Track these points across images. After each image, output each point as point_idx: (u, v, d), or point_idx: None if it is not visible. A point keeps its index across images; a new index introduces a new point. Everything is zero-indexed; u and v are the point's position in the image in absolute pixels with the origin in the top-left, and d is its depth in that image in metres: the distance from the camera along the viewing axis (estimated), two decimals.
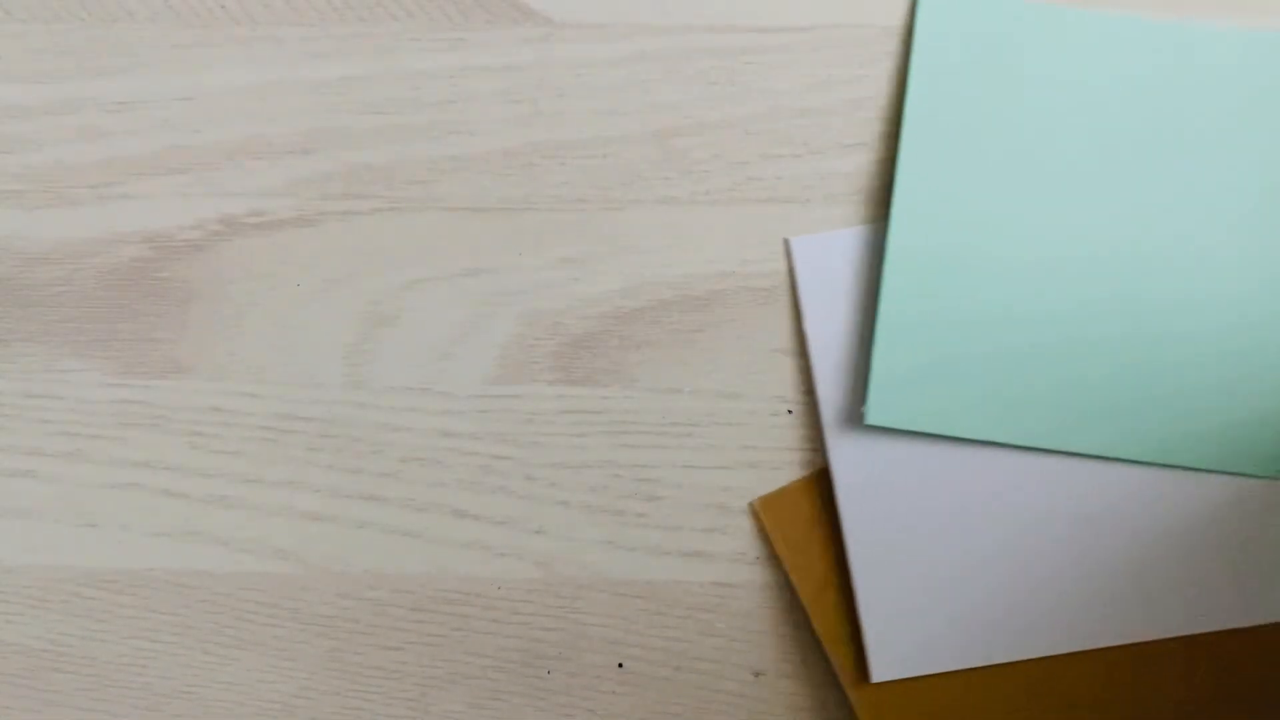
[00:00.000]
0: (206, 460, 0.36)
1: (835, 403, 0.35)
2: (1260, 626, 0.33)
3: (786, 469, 0.35)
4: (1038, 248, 0.35)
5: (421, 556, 0.35)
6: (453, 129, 0.36)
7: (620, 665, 0.35)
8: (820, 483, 0.35)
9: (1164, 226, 0.35)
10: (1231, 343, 0.34)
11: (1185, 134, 0.35)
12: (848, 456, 0.35)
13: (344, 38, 0.36)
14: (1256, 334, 0.34)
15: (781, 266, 0.36)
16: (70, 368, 0.36)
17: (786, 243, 0.35)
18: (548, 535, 0.35)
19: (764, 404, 0.35)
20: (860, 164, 0.36)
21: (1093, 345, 0.34)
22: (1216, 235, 0.35)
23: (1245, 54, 0.35)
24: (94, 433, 0.36)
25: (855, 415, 0.35)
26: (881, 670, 0.34)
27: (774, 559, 0.35)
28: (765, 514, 0.35)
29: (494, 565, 0.35)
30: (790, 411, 0.35)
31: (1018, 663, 0.34)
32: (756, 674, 0.35)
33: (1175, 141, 0.35)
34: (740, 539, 0.35)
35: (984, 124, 0.35)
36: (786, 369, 0.35)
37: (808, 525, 0.35)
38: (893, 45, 0.36)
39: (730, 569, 0.35)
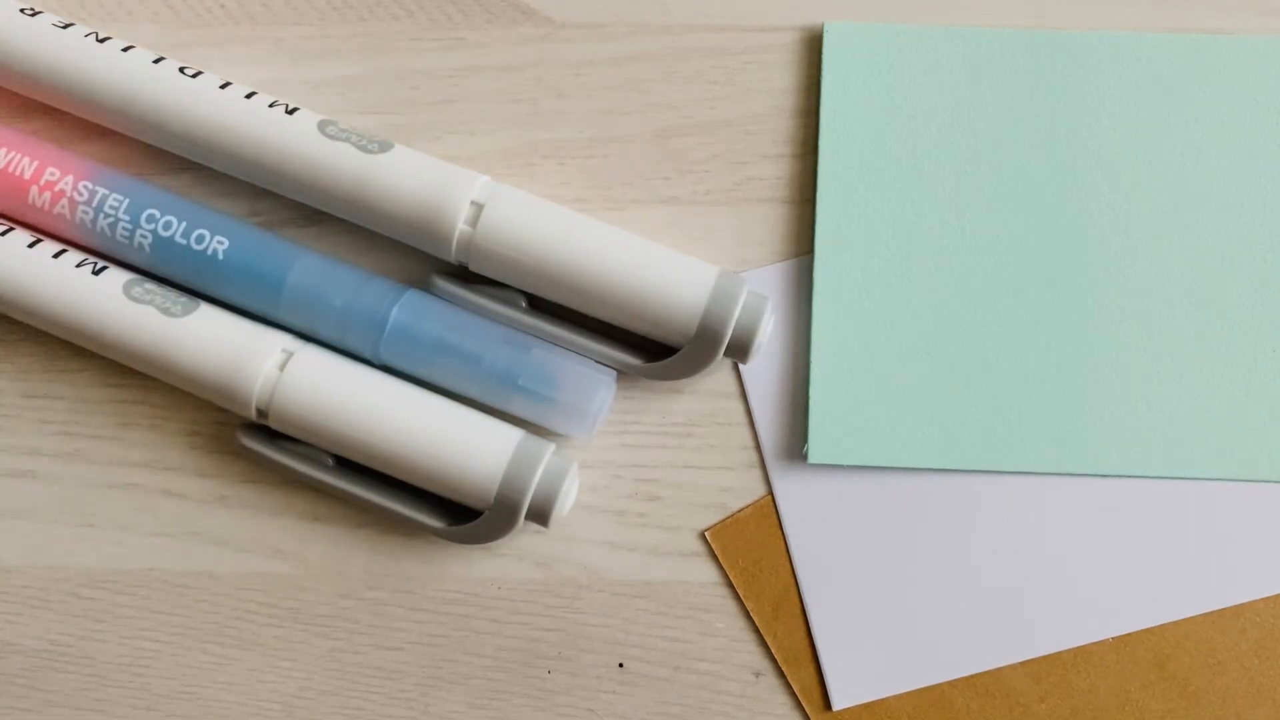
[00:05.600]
0: (207, 460, 0.36)
1: (776, 439, 0.35)
2: (1191, 619, 0.34)
3: None
4: (968, 272, 0.35)
5: (421, 556, 0.35)
6: (453, 129, 0.36)
7: (620, 665, 0.35)
8: (770, 509, 0.35)
9: (1096, 238, 0.35)
10: (1174, 353, 0.35)
11: (1107, 141, 0.35)
12: (793, 491, 0.35)
13: (344, 38, 0.36)
14: (1195, 342, 0.35)
15: (781, 267, 0.36)
16: (70, 368, 0.36)
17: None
18: (547, 535, 0.35)
19: None
20: None
21: (1032, 365, 0.35)
22: (1153, 243, 0.35)
23: (1158, 58, 0.35)
24: (94, 433, 0.36)
25: (797, 452, 0.35)
26: (841, 698, 0.34)
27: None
28: (716, 543, 0.35)
29: (494, 565, 0.35)
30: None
31: (974, 675, 0.34)
32: (757, 674, 0.35)
33: (1100, 150, 0.35)
34: None
35: (901, 150, 0.35)
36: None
37: (759, 552, 0.35)
38: None
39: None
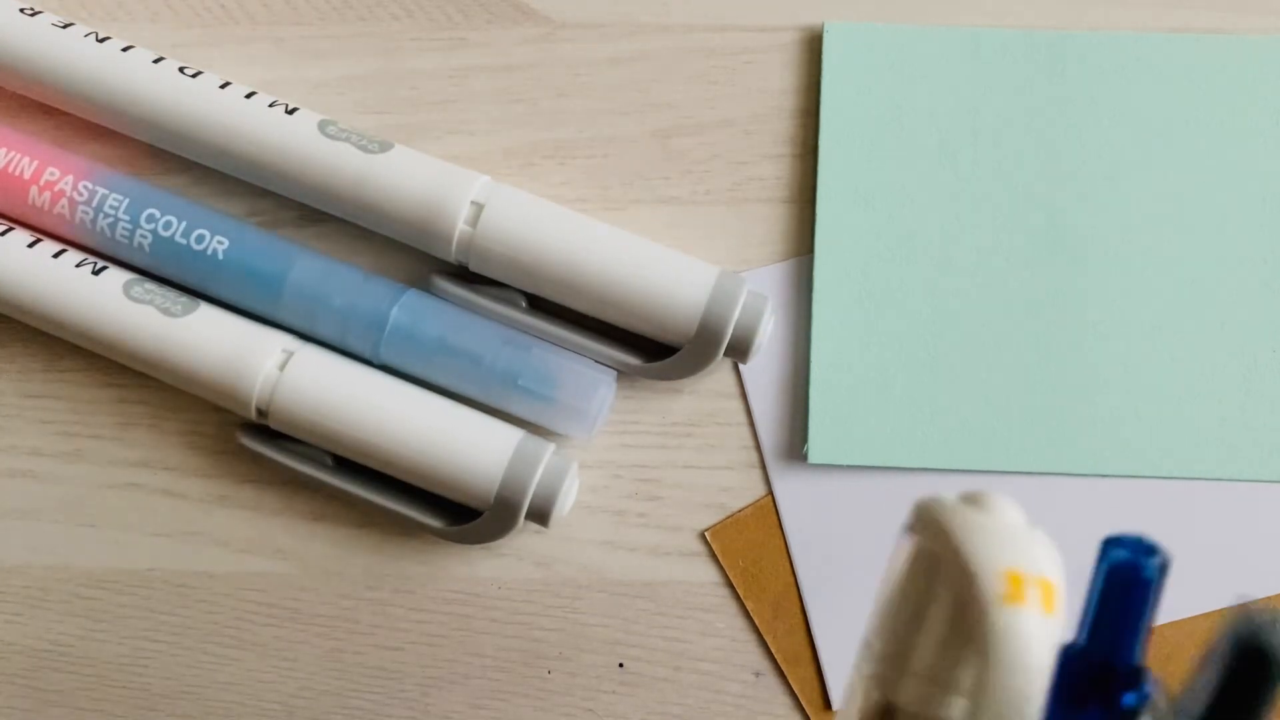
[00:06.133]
0: (206, 460, 0.35)
1: (776, 439, 0.35)
2: (1191, 618, 0.34)
3: None
4: (968, 272, 0.35)
5: (421, 556, 0.35)
6: (453, 129, 0.36)
7: (620, 665, 0.35)
8: (770, 509, 0.35)
9: (1096, 238, 0.35)
10: (1174, 353, 0.35)
11: (1107, 142, 0.35)
12: (793, 491, 0.35)
13: (344, 38, 0.36)
14: (1195, 342, 0.35)
15: (781, 266, 0.36)
16: (70, 368, 0.36)
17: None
18: (547, 535, 0.35)
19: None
20: None
21: (1032, 365, 0.35)
22: (1153, 244, 0.35)
23: (1158, 58, 0.35)
24: (94, 433, 0.36)
25: (797, 452, 0.35)
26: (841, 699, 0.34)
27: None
28: (716, 543, 0.35)
29: (494, 565, 0.35)
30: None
31: None
32: (757, 674, 0.35)
33: (1100, 150, 0.35)
34: None
35: (901, 150, 0.35)
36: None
37: (759, 552, 0.35)
38: None
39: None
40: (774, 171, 0.36)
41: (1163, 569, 0.22)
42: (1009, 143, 0.35)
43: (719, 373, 0.35)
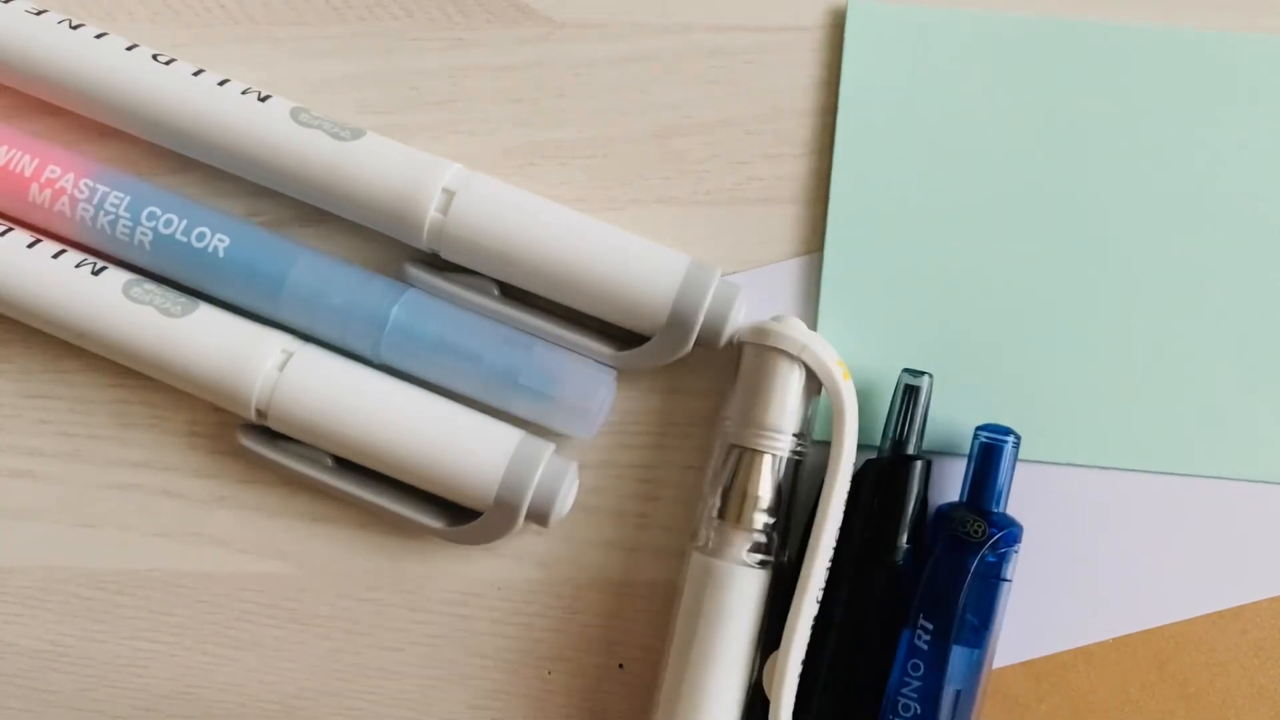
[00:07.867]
0: (206, 460, 0.35)
1: None
2: (1191, 619, 0.34)
3: None
4: (977, 269, 0.35)
5: (421, 557, 0.35)
6: (453, 129, 0.36)
7: (620, 665, 0.35)
8: None
9: (1107, 237, 0.35)
10: (1177, 352, 0.35)
11: (1132, 135, 0.35)
12: None
13: (344, 37, 0.36)
14: (1199, 341, 0.35)
15: (782, 266, 0.36)
16: (70, 368, 0.36)
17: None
18: (547, 535, 0.35)
19: None
20: None
21: (1038, 363, 0.34)
22: (1166, 242, 0.35)
23: (1186, 53, 0.35)
24: (94, 433, 0.36)
25: None
26: None
27: None
28: None
29: (494, 565, 0.35)
30: None
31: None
32: None
33: (1123, 143, 0.35)
34: None
35: (918, 140, 0.35)
36: None
37: None
38: None
39: None
40: (774, 171, 0.36)
41: (1015, 445, 0.33)
42: (1027, 137, 0.35)
43: (719, 373, 0.35)
